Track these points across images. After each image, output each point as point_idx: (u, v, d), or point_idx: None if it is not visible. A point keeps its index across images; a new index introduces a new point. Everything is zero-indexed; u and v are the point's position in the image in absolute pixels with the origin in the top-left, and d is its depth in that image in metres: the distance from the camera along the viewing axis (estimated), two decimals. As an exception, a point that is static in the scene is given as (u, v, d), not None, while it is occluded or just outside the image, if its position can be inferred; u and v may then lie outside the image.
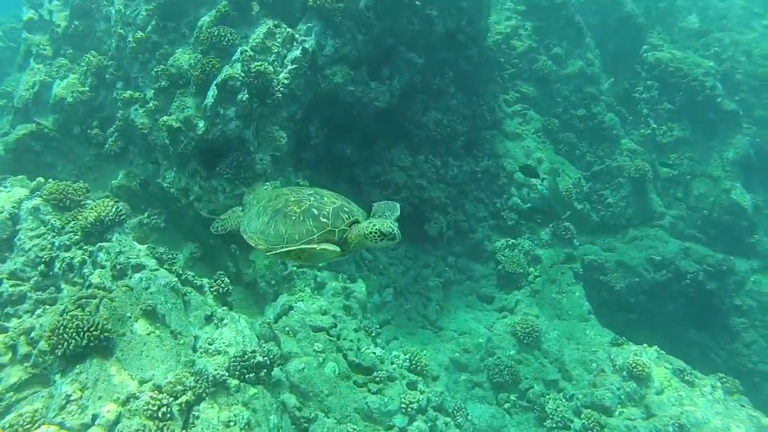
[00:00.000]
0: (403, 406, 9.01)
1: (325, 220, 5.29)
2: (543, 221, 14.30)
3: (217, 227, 6.68)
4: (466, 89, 14.84)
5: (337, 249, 5.17)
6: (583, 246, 15.65)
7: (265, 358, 8.56)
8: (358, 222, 5.49)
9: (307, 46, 11.16)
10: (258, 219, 5.63)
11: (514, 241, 14.03)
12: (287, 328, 9.62)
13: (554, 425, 10.77)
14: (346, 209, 5.46)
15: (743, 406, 10.54)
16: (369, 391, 9.06)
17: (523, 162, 14.64)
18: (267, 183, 10.57)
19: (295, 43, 11.27)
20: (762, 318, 16.59)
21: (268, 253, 5.43)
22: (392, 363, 9.74)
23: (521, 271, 13.45)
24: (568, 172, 15.17)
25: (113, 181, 12.06)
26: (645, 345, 11.68)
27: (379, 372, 9.24)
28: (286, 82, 10.92)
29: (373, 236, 5.20)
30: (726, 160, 17.60)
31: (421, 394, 9.41)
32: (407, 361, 10.00)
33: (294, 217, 5.33)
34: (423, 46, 13.52)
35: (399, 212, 5.80)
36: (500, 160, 14.83)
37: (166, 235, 11.78)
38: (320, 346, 9.39)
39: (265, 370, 8.51)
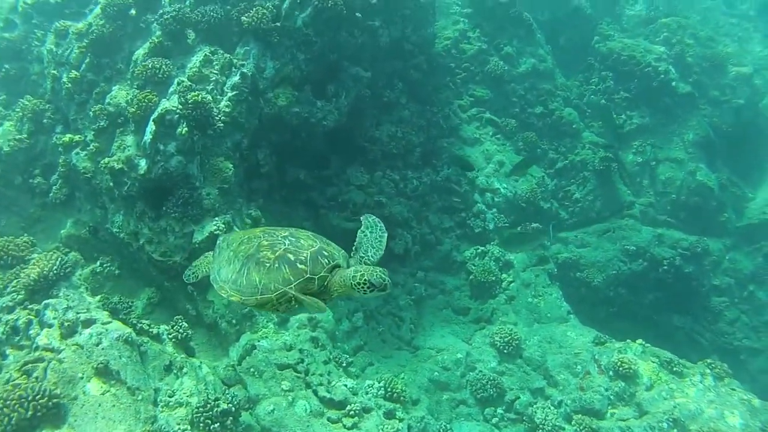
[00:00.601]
0: (382, 437, 8.56)
1: (302, 266, 4.91)
2: (511, 224, 13.97)
3: (189, 275, 6.29)
4: (418, 99, 14.50)
5: (322, 304, 4.79)
6: (555, 245, 15.36)
7: (230, 405, 8.12)
8: (339, 267, 5.08)
9: (245, 70, 10.76)
10: (229, 266, 5.25)
11: (483, 248, 13.66)
12: (252, 369, 9.12)
13: (545, 435, 10.37)
14: (326, 252, 5.08)
15: (734, 390, 10.21)
16: (344, 426, 8.57)
17: (484, 166, 14.35)
18: (217, 218, 10.08)
19: (233, 69, 10.88)
20: (741, 294, 16.47)
21: (244, 305, 5.08)
22: (366, 393, 9.27)
23: (494, 278, 13.07)
24: (530, 172, 14.84)
25: (62, 231, 11.49)
26: (628, 340, 11.29)
27: (353, 405, 8.76)
28: (227, 110, 10.51)
29: (362, 287, 4.81)
30: (687, 142, 17.45)
31: (400, 422, 8.98)
32: (382, 389, 9.50)
33: (268, 264, 4.95)
34: (368, 58, 13.18)
35: (385, 242, 5.43)
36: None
37: (122, 282, 11.23)
38: (288, 385, 8.91)
39: (231, 418, 8.06)
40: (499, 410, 10.93)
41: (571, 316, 12.86)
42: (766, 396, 15.15)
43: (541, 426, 10.40)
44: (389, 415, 9.10)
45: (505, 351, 11.67)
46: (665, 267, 15.59)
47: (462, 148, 14.80)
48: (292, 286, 4.83)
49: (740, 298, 16.51)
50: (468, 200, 14.28)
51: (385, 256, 5.32)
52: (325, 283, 4.98)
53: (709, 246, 16.18)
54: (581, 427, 10.03)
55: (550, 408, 10.73)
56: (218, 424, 7.87)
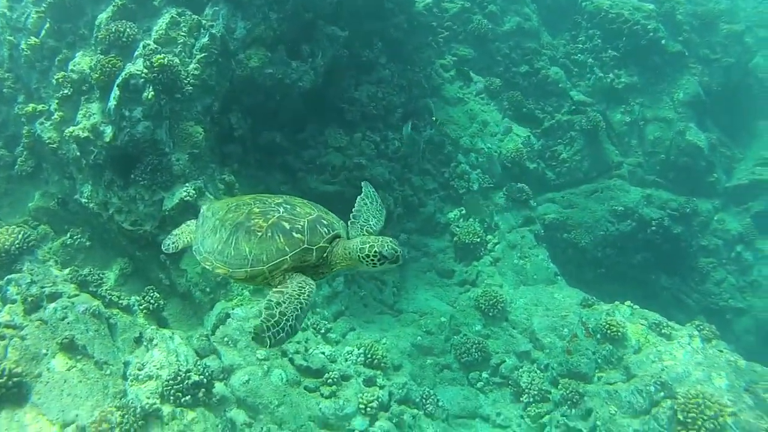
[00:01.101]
0: (361, 406, 8.29)
1: (299, 236, 4.47)
2: (496, 185, 13.63)
3: (169, 245, 5.76)
4: (399, 58, 14.03)
5: (313, 285, 4.40)
6: (542, 206, 15.09)
7: (201, 377, 7.85)
8: (339, 237, 4.64)
9: (214, 31, 10.29)
10: (214, 235, 4.78)
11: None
12: (226, 338, 8.82)
13: (532, 399, 10.15)
14: (325, 221, 4.67)
15: (721, 351, 10.01)
16: (322, 395, 8.30)
17: (467, 126, 13.96)
18: (187, 184, 9.70)
19: (202, 30, 10.40)
20: (728, 255, 16.34)
21: (231, 279, 4.62)
22: (346, 360, 9.00)
23: (478, 240, 12.77)
24: (516, 132, 14.46)
25: (30, 204, 11.09)
26: (617, 302, 11.05)
27: (331, 373, 8.48)
28: (196, 72, 10.09)
29: (371, 260, 4.38)
30: (677, 101, 17.12)
31: (380, 389, 8.71)
32: (362, 355, 9.20)
33: (260, 233, 4.49)
34: (346, 17, 12.73)
35: (385, 214, 5.12)
36: (444, 128, 14.08)
37: (94, 253, 10.88)
38: (263, 353, 8.60)
39: (203, 390, 7.80)
40: (485, 374, 10.72)
41: (558, 278, 12.61)
42: (749, 355, 15.19)
43: (526, 390, 10.21)
44: (369, 382, 8.83)
45: (491, 314, 11.42)
46: (654, 228, 15.39)
47: (444, 108, 14.40)
48: (287, 257, 4.40)
49: (727, 259, 16.39)
50: (452, 161, 13.90)
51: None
52: (325, 255, 4.56)
53: (698, 206, 15.99)
54: (568, 391, 9.81)
55: (536, 372, 10.53)
56: (189, 396, 7.61)
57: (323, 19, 12.20)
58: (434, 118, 13.62)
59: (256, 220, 4.57)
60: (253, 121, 11.70)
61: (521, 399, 10.25)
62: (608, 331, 10.16)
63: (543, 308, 11.64)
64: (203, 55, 10.19)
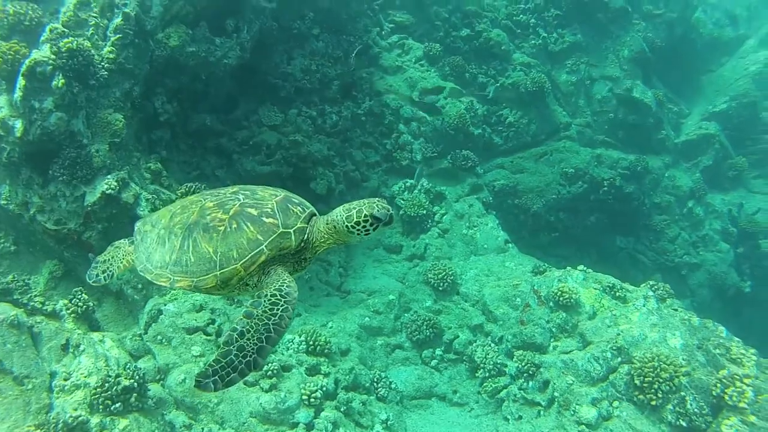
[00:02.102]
0: (304, 397, 7.77)
1: (271, 220, 3.86)
2: (439, 154, 13.13)
3: (98, 275, 4.79)
4: (333, 29, 13.37)
5: (293, 290, 3.77)
6: (490, 172, 14.69)
7: (132, 381, 7.28)
8: (315, 215, 4.05)
9: (128, 10, 9.49)
10: (163, 246, 4.07)
11: (412, 181, 12.82)
12: (159, 336, 8.23)
13: (487, 374, 9.76)
14: (295, 200, 4.11)
15: (676, 310, 9.82)
16: (261, 389, 7.77)
17: (408, 94, 13.43)
18: (109, 176, 9.00)
19: (115, 10, 9.60)
20: (681, 211, 16.22)
21: (199, 290, 3.86)
22: (287, 349, 8.47)
23: (424, 212, 12.31)
24: (458, 97, 13.95)
25: (-54, 210, 10.25)
26: (568, 268, 10.67)
27: (270, 365, 7.93)
28: (111, 56, 9.33)
29: (362, 226, 3.84)
30: (623, 59, 16.83)
31: (325, 377, 8.21)
32: (303, 343, 8.63)
33: (222, 228, 3.83)
34: (274, -14, 12.01)
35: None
36: (383, 98, 13.52)
37: (20, 258, 10.07)
38: (198, 350, 8.04)
39: (134, 394, 7.25)
40: (438, 351, 10.31)
41: (509, 246, 12.24)
42: (703, 309, 15.21)
43: (481, 365, 9.82)
44: (312, 370, 8.31)
45: (441, 288, 11.00)
46: (606, 188, 15.17)
47: (383, 77, 13.82)
48: (262, 247, 3.78)
49: (680, 215, 16.30)
50: (394, 132, 13.37)
51: (307, 198, 4.35)
52: (305, 237, 3.97)
53: (648, 164, 15.79)
54: (523, 363, 9.44)
55: (490, 345, 10.16)
56: (119, 403, 7.08)
57: (248, -10, 11.50)
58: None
59: (214, 214, 3.93)
60: (181, 105, 11.04)
61: (477, 374, 9.87)
62: (561, 299, 9.77)
63: (494, 278, 11.27)
64: (118, 36, 9.42)
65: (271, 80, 12.27)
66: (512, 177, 14.73)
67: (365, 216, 3.81)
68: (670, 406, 8.23)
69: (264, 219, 3.84)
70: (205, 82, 11.12)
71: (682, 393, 8.22)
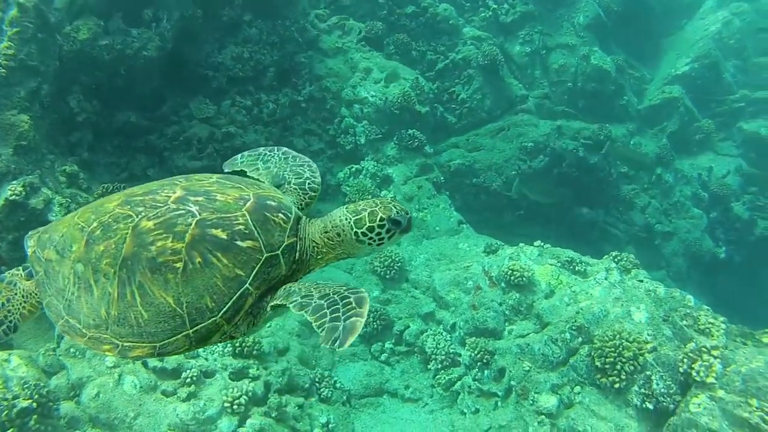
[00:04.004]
0: (227, 404, 7.11)
1: (249, 242, 2.84)
2: (384, 136, 12.46)
3: None
4: (266, 14, 12.62)
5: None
6: (445, 152, 14.04)
7: (31, 401, 6.62)
8: (301, 220, 3.18)
9: (23, 1, 8.82)
10: (90, 293, 2.87)
11: (357, 166, 12.14)
12: (72, 349, 7.56)
13: (440, 365, 9.10)
14: (272, 202, 3.05)
15: (641, 281, 9.03)
16: (179, 398, 7.14)
17: (349, 76, 12.77)
18: (15, 181, 8.35)
19: (9, 1, 8.94)
20: (650, 180, 15.62)
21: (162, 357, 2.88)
22: (211, 353, 7.82)
23: (370, 197, 11.59)
24: (402, 74, 13.26)
25: None
26: (521, 244, 10.05)
27: (189, 371, 7.28)
28: (10, 52, 8.58)
29: (377, 234, 3.03)
30: (578, 26, 16.26)
31: (253, 381, 7.53)
32: (229, 345, 8.00)
33: (179, 264, 2.74)
34: (195, -28, 11.33)
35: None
36: (323, 82, 12.83)
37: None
38: (112, 360, 7.41)
39: (35, 416, 6.58)
40: (388, 344, 9.62)
41: (463, 226, 11.57)
42: (678, 278, 14.67)
43: (433, 356, 9.16)
44: (238, 374, 7.60)
45: (388, 276, 10.31)
46: (569, 160, 14.49)
47: (323, 60, 13.13)
48: (247, 286, 2.82)
49: (649, 183, 15.71)
50: (336, 117, 12.70)
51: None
52: (297, 256, 3.07)
53: (612, 132, 15.10)
54: (476, 351, 8.74)
55: (441, 334, 9.49)
56: (17, 428, 6.42)
57: (166, -23, 10.81)
58: None
59: (161, 243, 2.78)
60: (102, 102, 10.34)
61: (429, 367, 9.20)
62: (512, 278, 9.05)
63: (446, 262, 10.60)
64: (15, 30, 8.65)
65: (201, 71, 11.56)
66: (468, 155, 14.06)
67: (381, 219, 3.01)
68: (635, 388, 7.55)
69: (239, 243, 2.82)
70: (126, 77, 10.41)
71: (648, 372, 7.53)
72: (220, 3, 11.93)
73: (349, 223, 3.07)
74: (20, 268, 3.64)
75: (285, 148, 3.80)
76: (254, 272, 2.83)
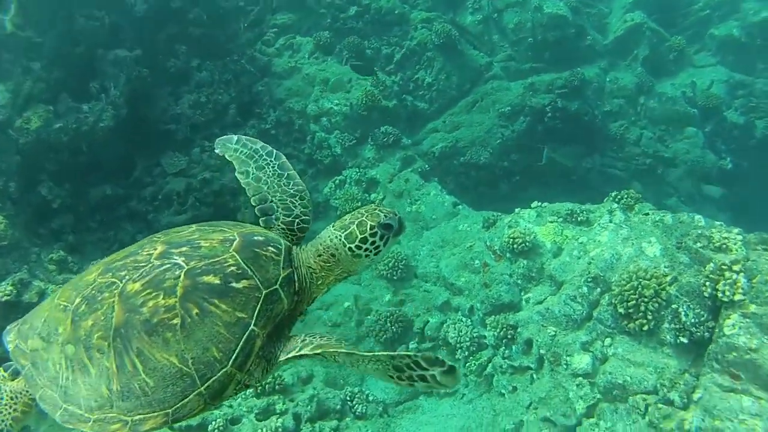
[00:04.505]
0: (259, 447, 7.04)
1: (244, 282, 2.72)
2: (359, 140, 12.33)
3: None
4: (212, 54, 12.57)
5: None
6: (426, 140, 13.91)
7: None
8: (292, 250, 3.11)
9: (-32, 105, 8.88)
10: (86, 374, 2.66)
11: (340, 177, 12.01)
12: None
13: (467, 352, 8.89)
14: (258, 237, 2.95)
15: (647, 214, 8.66)
16: (209, 455, 7.05)
17: (309, 92, 12.70)
18: (4, 282, 8.35)
19: (-48, 106, 9.00)
20: (635, 111, 15.35)
21: (175, 423, 2.63)
22: (235, 400, 7.71)
23: (360, 204, 11.48)
24: (359, 77, 13.13)
25: None
26: (517, 209, 9.85)
27: (215, 423, 7.18)
28: (-33, 157, 8.70)
29: (370, 241, 2.97)
30: (522, -21, 15.98)
31: (280, 417, 7.43)
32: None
33: (176, 320, 2.60)
34: (131, 36, 11.30)
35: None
36: (286, 104, 12.75)
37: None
38: None
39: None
40: (412, 345, 9.45)
41: (459, 207, 11.36)
42: (691, 201, 14.36)
43: (458, 345, 8.98)
44: (265, 413, 7.49)
45: (396, 277, 10.15)
46: (549, 114, 14.30)
47: (280, 84, 13.04)
48: (252, 327, 2.69)
49: (636, 114, 15.44)
50: (308, 134, 12.60)
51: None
52: (297, 286, 2.97)
53: (584, 75, 14.88)
54: (498, 329, 8.54)
55: (461, 320, 9.27)
56: None
57: (103, 47, 10.77)
58: None
59: (153, 302, 2.64)
60: (73, 184, 10.33)
61: (457, 356, 9.01)
62: (515, 246, 8.84)
63: (450, 247, 10.41)
64: (-36, 133, 8.82)
65: (163, 127, 11.51)
66: (449, 136, 13.92)
67: (371, 228, 2.96)
68: (665, 325, 7.11)
69: (234, 284, 2.70)
70: (90, 153, 10.38)
71: (674, 305, 7.10)
72: (164, 56, 11.90)
73: (340, 240, 3.01)
74: (0, 368, 3.35)
75: (282, 159, 3.57)
76: (257, 312, 2.72)
